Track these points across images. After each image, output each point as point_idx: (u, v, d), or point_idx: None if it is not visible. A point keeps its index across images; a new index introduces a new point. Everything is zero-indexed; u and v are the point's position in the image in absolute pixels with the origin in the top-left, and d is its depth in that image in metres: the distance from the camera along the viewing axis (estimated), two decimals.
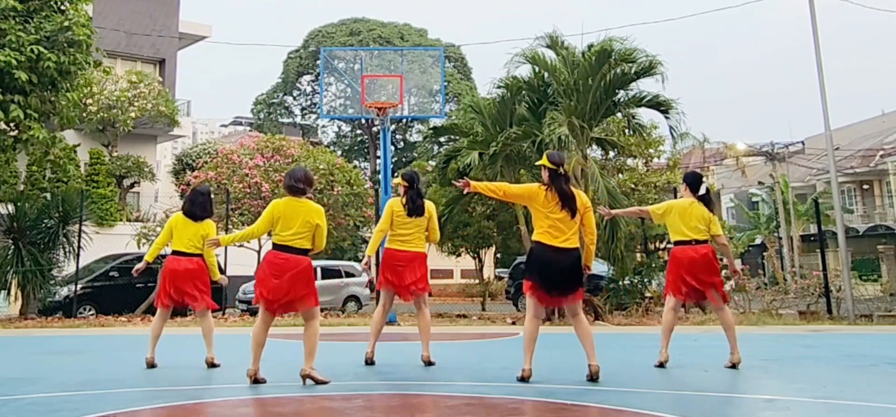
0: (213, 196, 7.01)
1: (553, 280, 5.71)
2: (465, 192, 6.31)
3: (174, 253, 6.79)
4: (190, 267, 6.70)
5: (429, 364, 6.67)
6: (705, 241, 6.67)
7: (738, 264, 13.01)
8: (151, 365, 6.66)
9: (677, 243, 6.71)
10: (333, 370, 6.77)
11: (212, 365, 6.67)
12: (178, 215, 6.96)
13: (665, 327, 6.78)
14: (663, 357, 6.65)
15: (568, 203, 5.69)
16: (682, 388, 5.68)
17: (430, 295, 7.02)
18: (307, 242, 5.66)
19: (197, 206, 6.84)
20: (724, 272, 8.08)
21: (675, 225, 6.70)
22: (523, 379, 5.63)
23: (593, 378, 5.60)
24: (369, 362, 6.73)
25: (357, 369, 6.76)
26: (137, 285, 16.10)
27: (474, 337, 10.85)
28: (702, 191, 6.84)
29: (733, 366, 6.50)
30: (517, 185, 6.04)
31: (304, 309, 5.70)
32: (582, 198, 5.85)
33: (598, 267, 17.18)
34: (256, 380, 5.60)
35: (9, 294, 15.19)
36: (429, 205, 6.86)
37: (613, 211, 8.02)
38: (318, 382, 5.56)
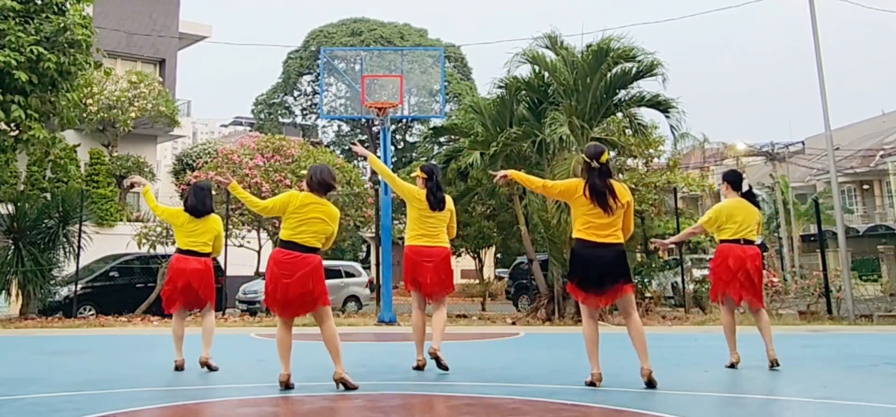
0: (213, 192, 6.88)
1: (594, 277, 5.40)
2: (499, 183, 6.06)
3: (180, 252, 6.65)
4: (198, 267, 6.55)
5: (435, 357, 6.47)
6: (753, 242, 6.67)
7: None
8: (180, 368, 6.44)
9: (725, 241, 6.63)
10: (334, 370, 6.78)
11: (205, 366, 6.40)
12: (181, 212, 6.76)
13: (729, 329, 6.69)
14: (734, 358, 6.56)
15: (599, 199, 5.39)
16: (682, 388, 5.67)
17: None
18: (319, 242, 5.51)
19: (198, 201, 6.68)
20: None
21: (727, 224, 6.64)
22: (592, 384, 5.38)
23: (650, 384, 5.31)
24: (420, 367, 6.46)
25: (357, 369, 6.75)
26: (137, 285, 16.13)
27: (474, 336, 10.86)
28: (744, 187, 6.82)
29: (776, 364, 6.45)
30: (558, 182, 5.77)
31: (316, 310, 5.51)
32: (623, 194, 5.51)
33: None
34: (288, 385, 5.33)
35: (9, 294, 15.18)
36: (449, 200, 6.61)
37: (666, 242, 7.62)
38: (349, 387, 5.35)
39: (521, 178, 5.98)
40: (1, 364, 7.53)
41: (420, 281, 6.37)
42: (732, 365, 6.58)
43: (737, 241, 6.59)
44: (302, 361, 7.91)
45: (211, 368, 6.42)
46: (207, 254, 6.72)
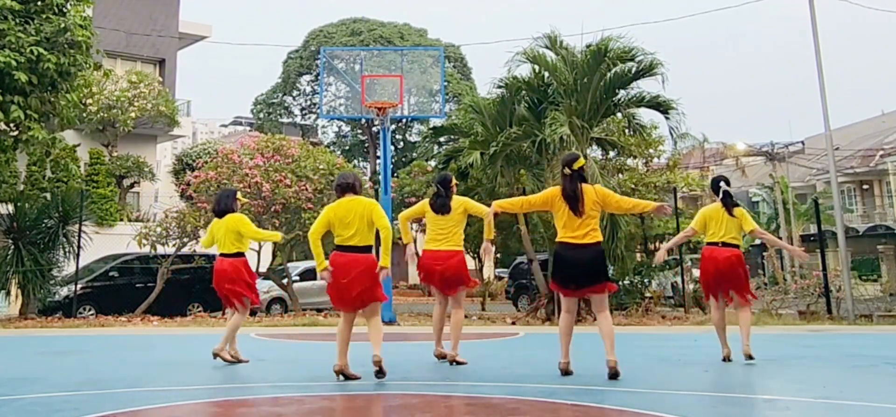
0: (237, 197, 7.39)
1: (574, 275, 5.84)
2: (493, 217, 6.54)
3: (220, 255, 7.17)
4: (225, 267, 7.05)
5: (455, 362, 6.76)
6: (736, 245, 7.04)
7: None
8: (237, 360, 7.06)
9: (708, 244, 7.11)
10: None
11: (217, 356, 6.91)
12: (213, 223, 7.36)
13: (716, 326, 7.21)
14: (725, 352, 7.06)
15: (571, 203, 5.85)
16: (682, 388, 5.68)
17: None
18: (367, 239, 5.85)
19: (216, 203, 7.32)
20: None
21: (708, 228, 7.09)
22: (564, 373, 5.85)
23: (613, 375, 5.68)
24: (440, 357, 6.93)
25: (357, 369, 6.75)
26: (137, 285, 16.12)
27: (474, 337, 10.85)
28: (720, 194, 7.11)
29: (749, 357, 6.88)
30: (537, 195, 6.31)
31: (372, 303, 5.89)
32: (592, 194, 5.90)
33: None
34: (347, 376, 5.78)
35: (9, 294, 15.16)
36: (458, 200, 6.96)
37: (662, 250, 7.54)
38: (381, 372, 5.70)
39: (506, 206, 6.45)
40: (1, 364, 7.53)
41: (432, 281, 6.92)
42: (726, 359, 7.01)
43: (716, 244, 7.02)
44: (303, 360, 7.92)
45: (224, 358, 6.92)
46: (236, 254, 7.11)
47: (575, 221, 5.84)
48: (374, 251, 5.95)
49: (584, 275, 5.82)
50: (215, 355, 6.89)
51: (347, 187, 5.97)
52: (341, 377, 5.77)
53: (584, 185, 5.93)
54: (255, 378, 6.43)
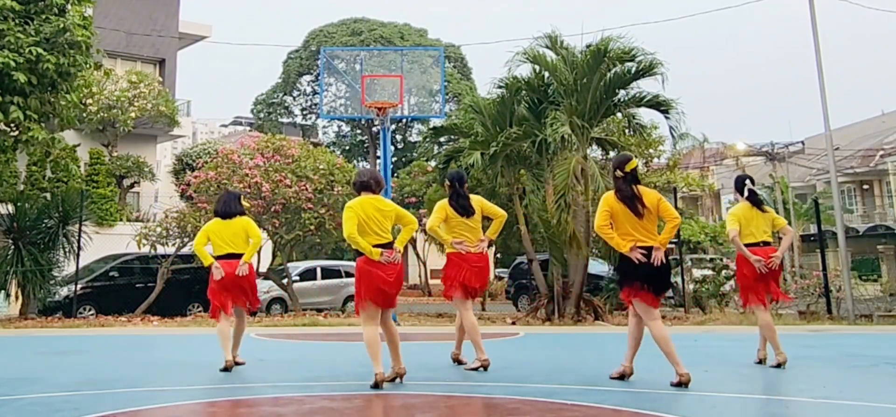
0: (241, 197, 7.26)
1: (651, 277, 5.62)
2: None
3: (217, 257, 6.87)
4: (231, 269, 6.80)
5: (457, 361, 6.81)
6: (770, 243, 6.80)
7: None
8: (229, 368, 6.60)
9: (747, 245, 6.73)
10: (334, 370, 6.80)
11: (234, 364, 6.76)
12: (213, 220, 7.13)
13: (768, 327, 6.70)
14: (780, 358, 6.57)
15: (629, 203, 5.68)
16: (682, 388, 5.67)
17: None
18: (390, 234, 5.78)
19: (224, 205, 7.09)
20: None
21: (744, 230, 6.74)
22: (682, 384, 5.52)
23: (623, 377, 5.72)
24: (456, 361, 6.87)
25: (357, 369, 6.76)
26: (137, 285, 16.12)
27: None
28: (745, 192, 6.89)
29: (761, 362, 6.74)
30: (599, 216, 5.83)
31: (393, 306, 5.87)
32: (649, 195, 5.79)
33: (599, 267, 17.18)
34: (391, 380, 5.64)
35: (9, 294, 15.16)
36: (474, 199, 6.77)
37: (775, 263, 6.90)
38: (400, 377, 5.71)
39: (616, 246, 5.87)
40: (1, 364, 7.53)
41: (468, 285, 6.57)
42: (781, 364, 6.53)
43: (757, 245, 6.69)
44: (303, 360, 7.92)
45: (237, 363, 6.83)
46: (242, 255, 6.92)
47: (636, 224, 5.64)
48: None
49: (659, 279, 5.64)
50: (233, 362, 6.73)
51: (364, 186, 5.85)
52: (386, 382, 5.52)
53: (640, 187, 5.78)
54: (255, 378, 6.43)
